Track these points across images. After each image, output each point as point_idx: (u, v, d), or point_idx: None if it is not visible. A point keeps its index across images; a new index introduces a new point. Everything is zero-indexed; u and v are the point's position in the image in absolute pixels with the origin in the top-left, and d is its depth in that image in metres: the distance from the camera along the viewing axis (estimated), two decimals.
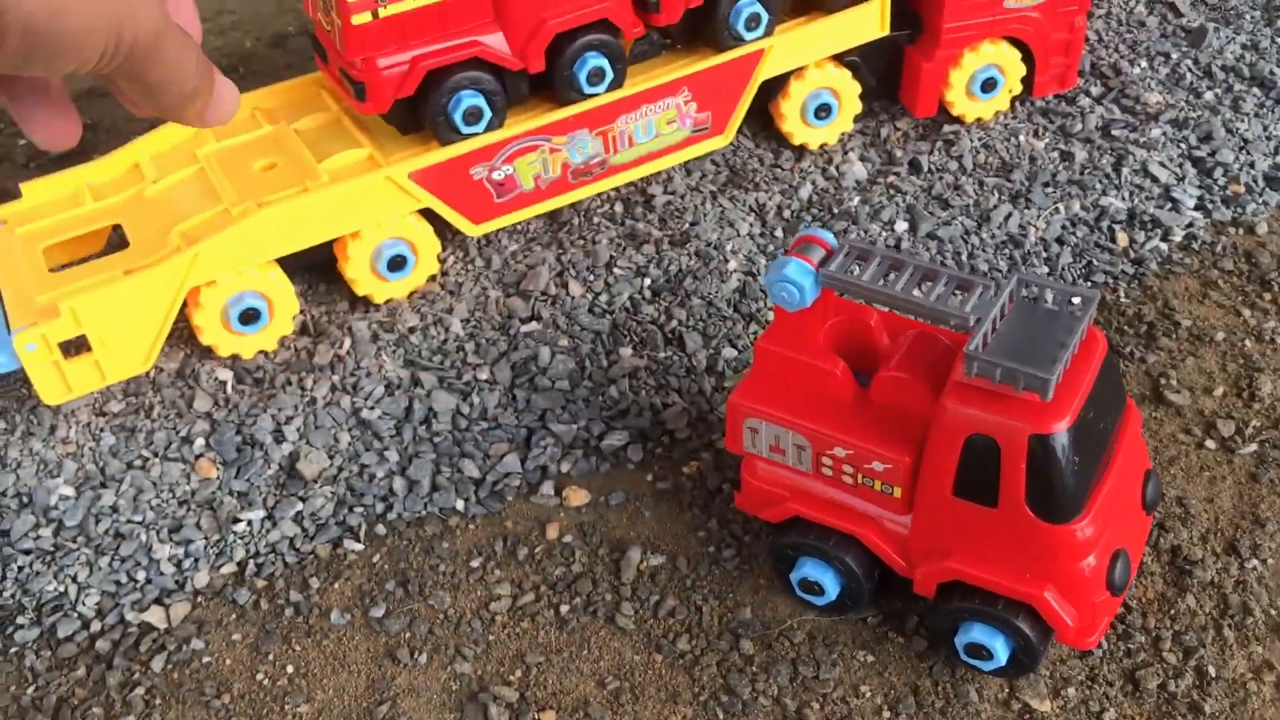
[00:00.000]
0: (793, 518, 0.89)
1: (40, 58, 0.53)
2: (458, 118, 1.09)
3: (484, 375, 1.09)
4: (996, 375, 0.75)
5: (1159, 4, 1.51)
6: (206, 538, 0.99)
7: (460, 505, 1.00)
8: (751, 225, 1.22)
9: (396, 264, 1.13)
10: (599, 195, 1.25)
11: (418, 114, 1.11)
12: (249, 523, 1.00)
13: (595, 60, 1.12)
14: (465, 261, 1.20)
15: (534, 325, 1.13)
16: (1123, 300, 1.14)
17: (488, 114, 1.11)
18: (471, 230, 1.16)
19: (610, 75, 1.14)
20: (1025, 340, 0.77)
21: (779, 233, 1.21)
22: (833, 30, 1.24)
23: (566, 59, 1.12)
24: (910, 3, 1.29)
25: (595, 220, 1.24)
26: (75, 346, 1.04)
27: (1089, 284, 1.16)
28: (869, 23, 1.25)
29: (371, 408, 1.07)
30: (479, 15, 1.08)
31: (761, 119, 1.31)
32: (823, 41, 1.24)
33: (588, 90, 1.14)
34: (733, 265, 1.17)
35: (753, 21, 1.19)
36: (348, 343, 1.12)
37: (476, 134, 1.11)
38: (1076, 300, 0.79)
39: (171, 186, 1.15)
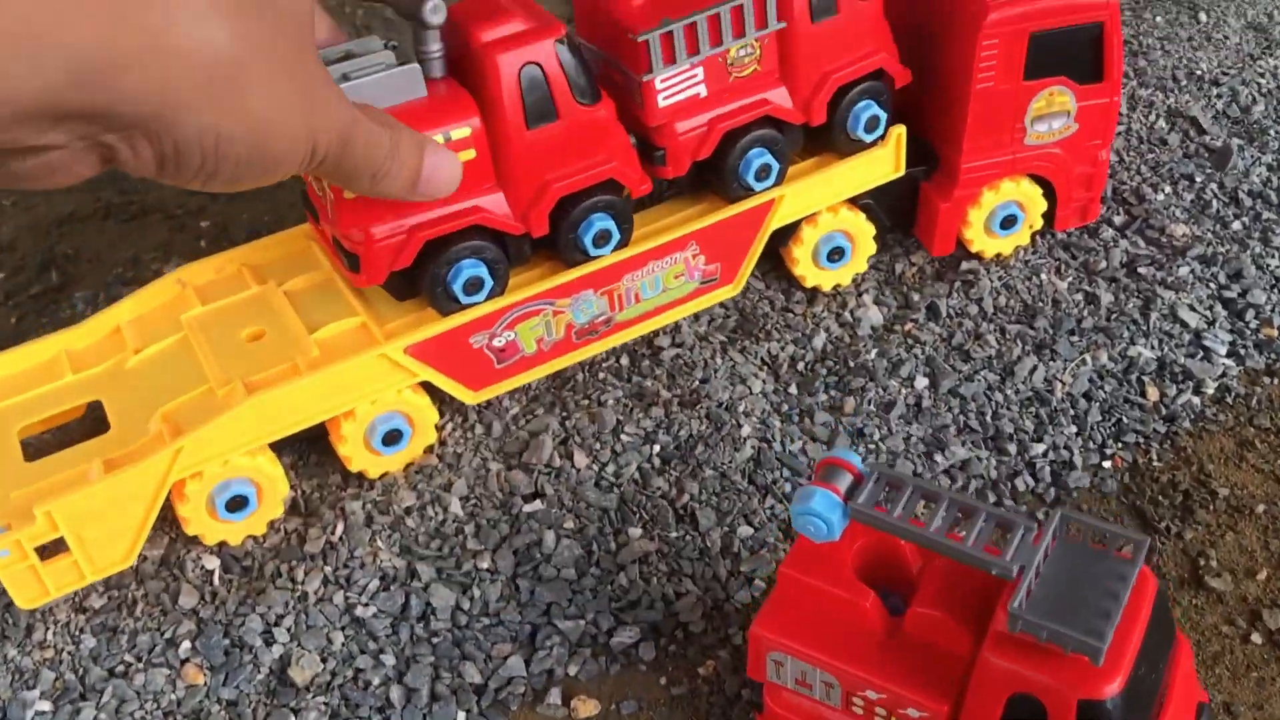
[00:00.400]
0: None
1: (249, 179, 0.61)
2: (458, 288, 1.04)
3: (485, 564, 1.03)
4: (1043, 636, 0.69)
5: (1180, 118, 1.46)
6: None
7: (461, 717, 0.94)
8: (764, 382, 1.16)
9: (392, 438, 1.07)
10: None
11: (414, 282, 1.06)
12: None
13: (601, 222, 1.07)
14: (464, 429, 1.14)
15: (537, 504, 1.07)
16: (1155, 464, 1.09)
17: (489, 283, 1.05)
18: (470, 399, 1.10)
19: (617, 236, 1.09)
20: (1072, 591, 0.71)
21: (793, 389, 1.15)
22: (846, 175, 1.18)
23: (571, 222, 1.06)
24: (923, 133, 1.24)
25: (601, 376, 1.18)
26: (54, 545, 0.98)
27: (1119, 445, 1.10)
28: (884, 165, 1.20)
29: (366, 604, 1.01)
30: (480, 180, 1.02)
31: (771, 259, 1.25)
32: (836, 187, 1.18)
33: (593, 252, 1.08)
34: (746, 431, 1.11)
35: (763, 172, 1.13)
36: (340, 527, 1.06)
37: (477, 303, 1.06)
38: (1126, 548, 0.73)
39: (153, 358, 1.09)
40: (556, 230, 1.07)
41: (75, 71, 0.56)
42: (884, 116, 1.17)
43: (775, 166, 1.14)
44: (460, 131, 0.99)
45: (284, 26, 0.64)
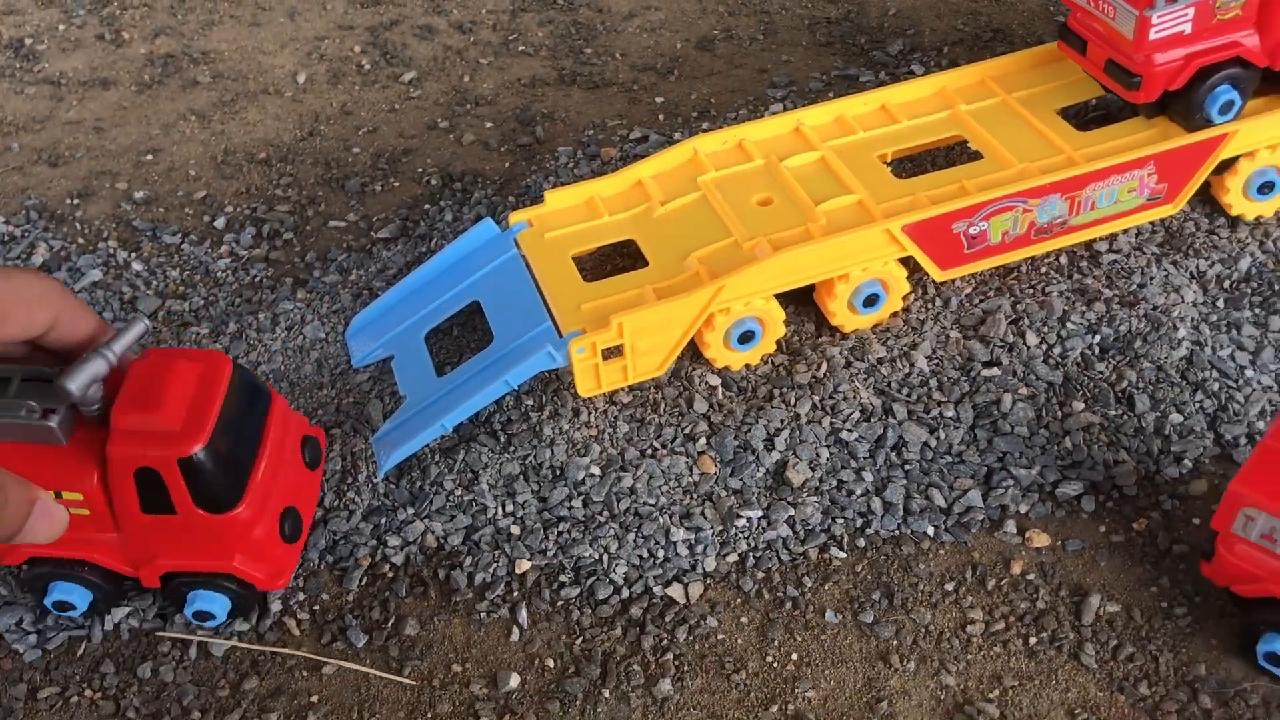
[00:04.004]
0: (1269, 598, 0.99)
1: None
2: (49, 603, 1.09)
3: (949, 413, 1.22)
4: None
5: None
6: (712, 527, 1.16)
7: (930, 530, 1.15)
8: (1195, 293, 1.31)
9: (870, 301, 1.27)
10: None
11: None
12: (748, 520, 1.16)
13: (206, 603, 1.07)
14: (924, 301, 1.33)
15: (994, 371, 1.25)
16: None
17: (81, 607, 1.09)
18: (938, 276, 1.29)
19: (221, 620, 1.09)
20: None
21: (1220, 303, 1.30)
22: None
23: (175, 598, 1.09)
24: None
25: (1043, 270, 1.35)
26: (609, 351, 1.22)
27: None
28: None
29: (850, 430, 1.22)
30: (99, 527, 1.03)
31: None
32: None
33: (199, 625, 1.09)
34: (1182, 333, 1.26)
35: (1226, 107, 1.26)
36: (824, 366, 1.27)
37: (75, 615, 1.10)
38: None
39: (678, 209, 1.32)
40: (167, 589, 1.08)
41: None
42: None
43: (1238, 103, 1.27)
44: (73, 495, 1.00)
45: None
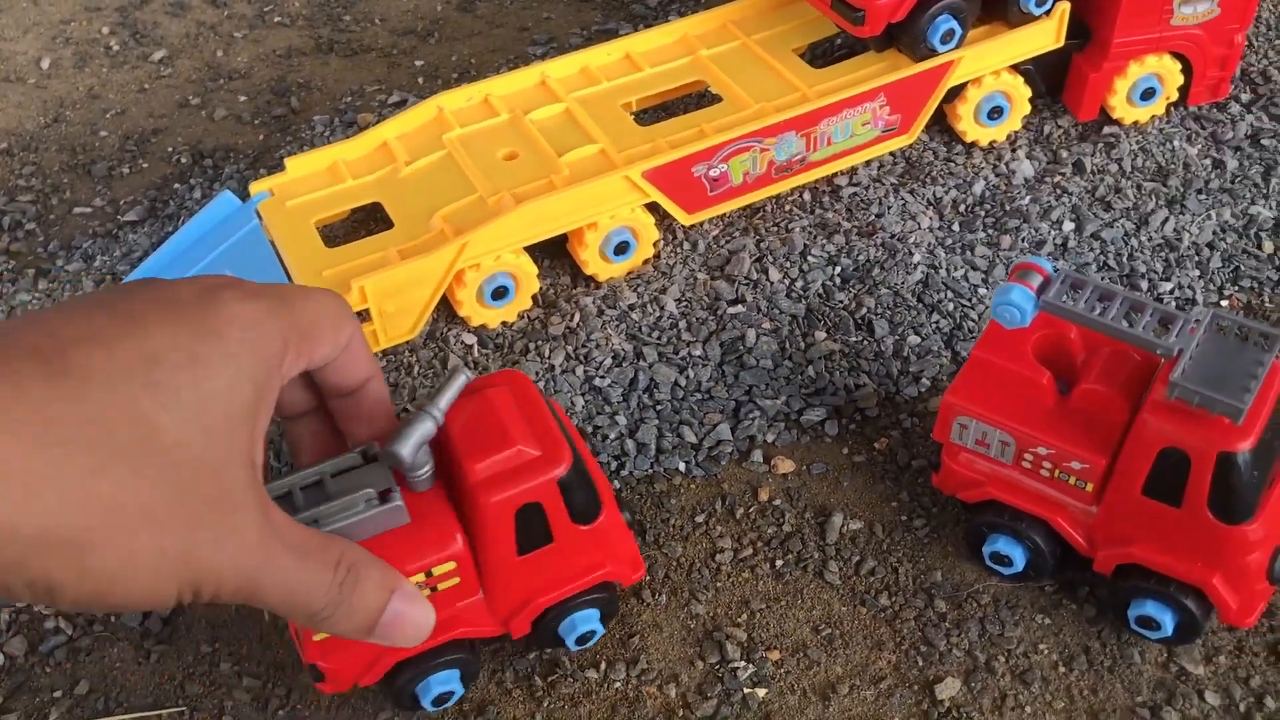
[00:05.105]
0: (989, 500, 1.04)
1: (102, 610, 0.60)
2: (427, 703, 0.95)
3: (697, 351, 1.24)
4: (1195, 400, 0.89)
5: None
6: None
7: (682, 466, 1.16)
8: (931, 219, 1.35)
9: (621, 249, 1.28)
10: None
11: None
12: None
13: (585, 624, 0.99)
14: (674, 245, 1.34)
15: (739, 308, 1.27)
16: (1267, 305, 1.27)
17: (459, 692, 0.97)
18: (685, 220, 1.30)
19: (600, 632, 1.00)
20: (1219, 369, 0.91)
21: (955, 226, 1.34)
22: (1014, 42, 1.35)
23: (549, 625, 0.98)
24: (1080, 13, 1.40)
25: (787, 208, 1.37)
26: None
27: (1236, 288, 1.28)
28: (1047, 36, 1.36)
29: (602, 376, 1.23)
30: (462, 595, 0.93)
31: (934, 117, 1.43)
32: (1005, 53, 1.36)
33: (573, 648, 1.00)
34: (917, 258, 1.31)
35: (948, 36, 1.31)
36: (577, 316, 1.27)
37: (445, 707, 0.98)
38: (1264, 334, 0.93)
39: (423, 169, 1.30)
40: (538, 629, 0.99)
41: None
42: None
43: (959, 32, 1.31)
44: (444, 566, 0.89)
45: (170, 477, 0.58)
